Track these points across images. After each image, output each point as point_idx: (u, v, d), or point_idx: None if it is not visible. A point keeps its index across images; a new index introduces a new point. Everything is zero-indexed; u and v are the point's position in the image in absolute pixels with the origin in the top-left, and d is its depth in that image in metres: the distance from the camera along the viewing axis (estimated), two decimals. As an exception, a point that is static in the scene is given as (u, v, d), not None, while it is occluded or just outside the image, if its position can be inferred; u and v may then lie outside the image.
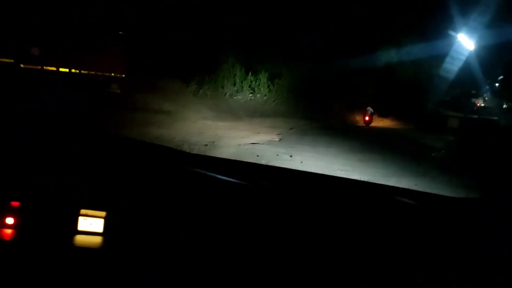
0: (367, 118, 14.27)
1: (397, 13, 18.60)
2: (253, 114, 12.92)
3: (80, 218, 1.85)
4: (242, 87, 14.36)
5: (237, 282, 1.78)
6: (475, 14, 19.12)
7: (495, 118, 23.74)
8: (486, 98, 26.18)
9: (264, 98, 14.75)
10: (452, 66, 21.34)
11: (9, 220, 1.83)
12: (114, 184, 1.98)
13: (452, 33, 20.02)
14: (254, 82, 14.56)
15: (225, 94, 13.88)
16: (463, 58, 21.15)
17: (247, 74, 14.42)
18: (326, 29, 15.14)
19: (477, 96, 25.64)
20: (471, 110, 23.79)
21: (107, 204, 1.92)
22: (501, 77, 24.22)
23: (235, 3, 13.05)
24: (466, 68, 21.88)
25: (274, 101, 15.11)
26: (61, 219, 1.84)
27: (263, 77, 14.62)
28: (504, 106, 26.69)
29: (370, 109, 14.84)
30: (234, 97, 14.09)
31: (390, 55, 20.07)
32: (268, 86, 14.91)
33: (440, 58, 21.17)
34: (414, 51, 19.73)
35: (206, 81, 13.30)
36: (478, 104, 25.11)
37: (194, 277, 1.79)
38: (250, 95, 14.49)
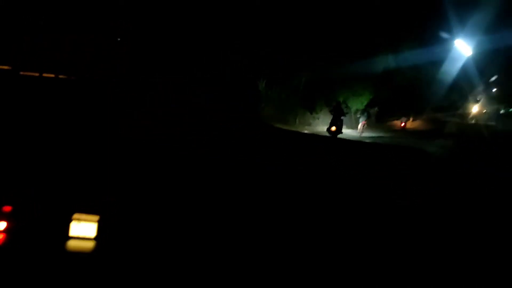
0: (402, 124, 20.22)
1: (395, 20, 18.45)
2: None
3: (73, 223, 1.78)
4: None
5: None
6: (473, 21, 19.00)
7: (493, 123, 23.60)
8: (484, 104, 25.97)
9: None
10: (450, 72, 21.21)
11: (1, 225, 1.79)
12: (108, 188, 1.93)
13: (449, 39, 19.93)
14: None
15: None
16: (461, 63, 21.02)
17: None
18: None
19: (474, 101, 25.47)
20: (468, 116, 23.70)
21: (100, 208, 1.84)
22: (495, 77, 24.08)
23: None
24: (463, 74, 21.74)
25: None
26: (53, 224, 1.79)
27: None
28: (502, 111, 26.51)
29: (405, 118, 20.90)
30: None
31: (388, 62, 19.99)
32: None
33: (438, 63, 21.06)
34: (412, 57, 19.67)
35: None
36: (474, 110, 25.07)
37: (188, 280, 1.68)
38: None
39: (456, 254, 3.28)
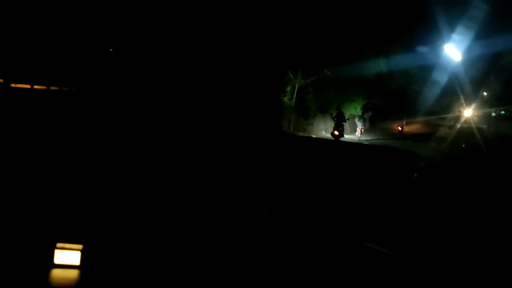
0: (399, 128, 21.09)
1: (387, 25, 18.23)
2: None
3: (57, 251, 1.67)
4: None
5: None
6: (463, 26, 18.84)
7: (485, 126, 23.58)
8: (475, 107, 25.88)
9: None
10: (441, 76, 21.06)
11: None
12: (91, 217, 1.80)
13: (440, 44, 19.82)
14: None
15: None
16: (452, 68, 20.89)
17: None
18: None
19: (466, 105, 25.40)
20: (460, 119, 23.70)
21: (84, 237, 1.73)
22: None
23: None
24: (454, 78, 21.61)
25: None
26: (37, 252, 1.70)
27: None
28: (493, 114, 26.47)
29: (402, 122, 21.91)
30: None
31: (380, 67, 19.88)
32: None
33: (429, 68, 20.93)
34: (404, 62, 19.73)
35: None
36: (466, 114, 25.04)
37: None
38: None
39: (456, 254, 3.15)
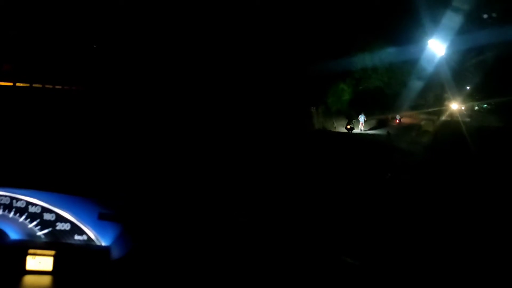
0: (397, 121, 22.74)
1: (371, 20, 18.06)
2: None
3: (28, 257, 1.55)
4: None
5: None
6: (446, 21, 18.69)
7: (468, 119, 23.57)
8: (459, 101, 25.79)
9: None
10: (425, 71, 20.96)
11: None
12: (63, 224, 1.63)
13: (424, 39, 19.72)
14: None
15: None
16: (435, 62, 20.80)
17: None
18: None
19: (450, 99, 25.32)
20: (444, 113, 23.73)
21: (56, 244, 1.59)
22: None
23: None
24: (438, 72, 21.50)
25: None
26: (8, 258, 1.54)
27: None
28: (476, 108, 26.38)
29: (398, 116, 23.30)
30: None
31: (365, 63, 19.90)
32: None
33: (413, 62, 20.82)
34: (388, 57, 19.59)
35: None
36: (450, 108, 25.07)
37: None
38: None
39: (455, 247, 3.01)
